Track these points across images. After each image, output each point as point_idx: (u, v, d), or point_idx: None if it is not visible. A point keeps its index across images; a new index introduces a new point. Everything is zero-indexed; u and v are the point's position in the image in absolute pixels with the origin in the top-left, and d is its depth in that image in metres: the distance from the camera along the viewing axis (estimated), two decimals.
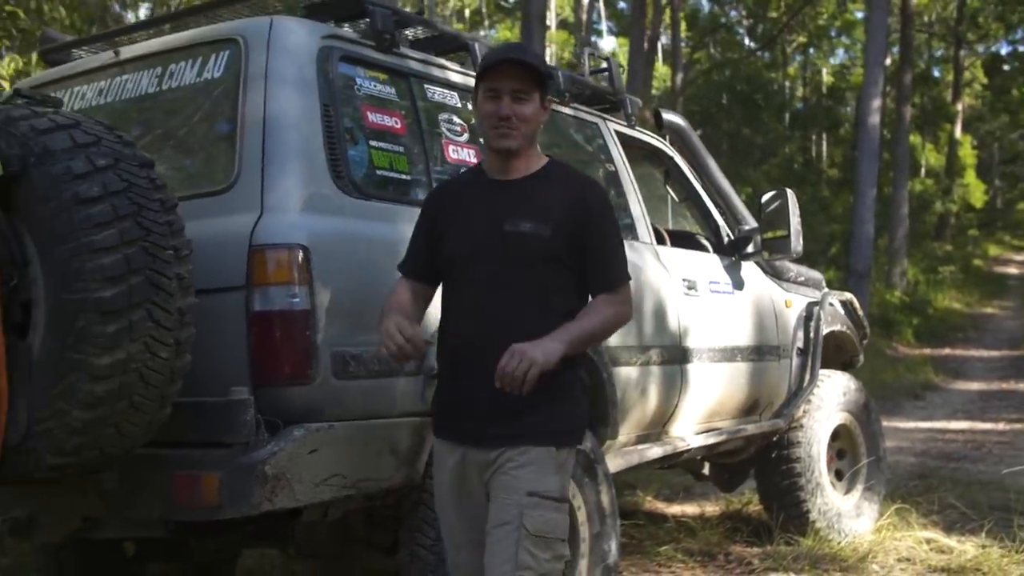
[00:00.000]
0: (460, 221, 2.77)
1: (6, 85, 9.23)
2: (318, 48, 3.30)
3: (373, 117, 3.42)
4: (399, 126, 3.50)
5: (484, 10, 34.77)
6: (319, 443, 2.88)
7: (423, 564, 3.27)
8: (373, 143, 3.38)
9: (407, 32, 3.86)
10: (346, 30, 3.58)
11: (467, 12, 40.84)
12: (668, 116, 5.23)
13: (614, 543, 3.75)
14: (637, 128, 4.95)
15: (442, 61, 3.88)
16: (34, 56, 9.05)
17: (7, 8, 8.56)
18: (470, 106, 3.83)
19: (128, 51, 3.60)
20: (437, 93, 3.75)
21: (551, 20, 29.05)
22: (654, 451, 4.40)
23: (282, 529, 3.41)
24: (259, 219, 2.98)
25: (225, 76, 3.25)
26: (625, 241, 4.35)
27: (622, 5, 40.59)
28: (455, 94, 3.82)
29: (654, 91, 29.69)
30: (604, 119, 4.68)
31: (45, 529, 3.13)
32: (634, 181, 4.64)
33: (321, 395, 2.95)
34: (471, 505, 2.73)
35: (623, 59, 35.27)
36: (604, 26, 41.56)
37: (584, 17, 27.58)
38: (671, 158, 5.16)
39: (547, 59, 25.90)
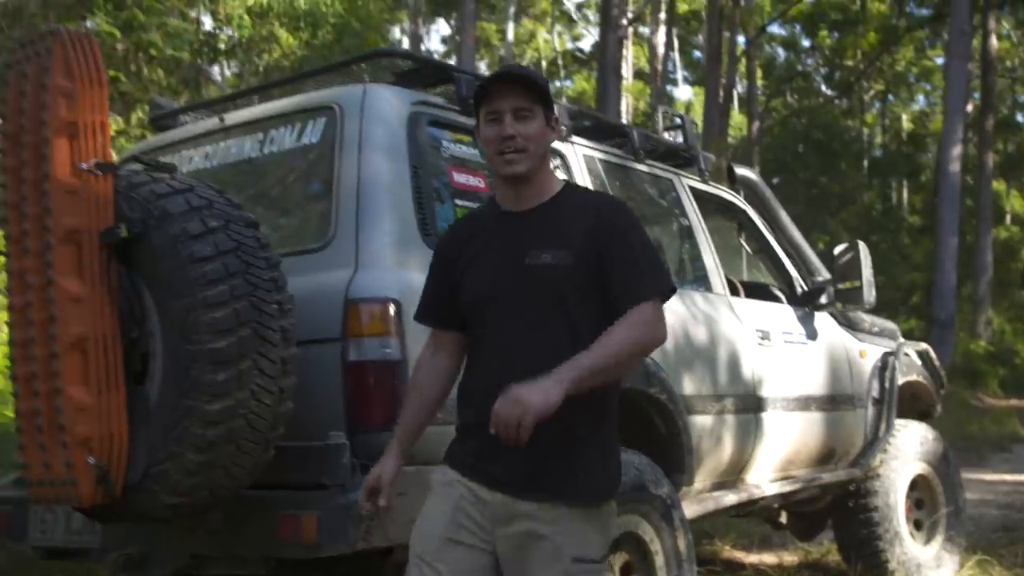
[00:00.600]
0: (478, 261, 2.61)
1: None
2: (408, 114, 3.53)
3: (458, 177, 3.64)
4: (482, 185, 3.71)
5: (560, 61, 35.27)
6: (409, 486, 3.06)
7: None
8: (458, 201, 3.59)
9: None
10: (433, 96, 3.81)
11: (544, 63, 41.44)
12: (741, 171, 5.37)
13: None
14: (710, 183, 5.10)
15: None
16: (133, 116, 9.60)
17: (109, 72, 9.02)
18: (552, 165, 4.04)
19: (232, 118, 3.88)
20: None
21: (626, 71, 29.31)
22: (730, 498, 4.49)
23: (374, 570, 3.59)
24: (354, 275, 3.19)
25: (322, 141, 3.50)
26: (699, 292, 4.56)
27: (697, 54, 40.80)
28: None
29: (730, 140, 29.74)
30: (678, 175, 4.84)
31: (156, 565, 3.35)
32: (708, 234, 4.78)
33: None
34: (462, 545, 2.52)
35: (699, 108, 35.42)
36: (679, 75, 41.86)
37: (659, 67, 27.78)
38: (744, 211, 5.30)
39: (623, 111, 26.16)
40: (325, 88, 3.83)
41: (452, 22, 38.51)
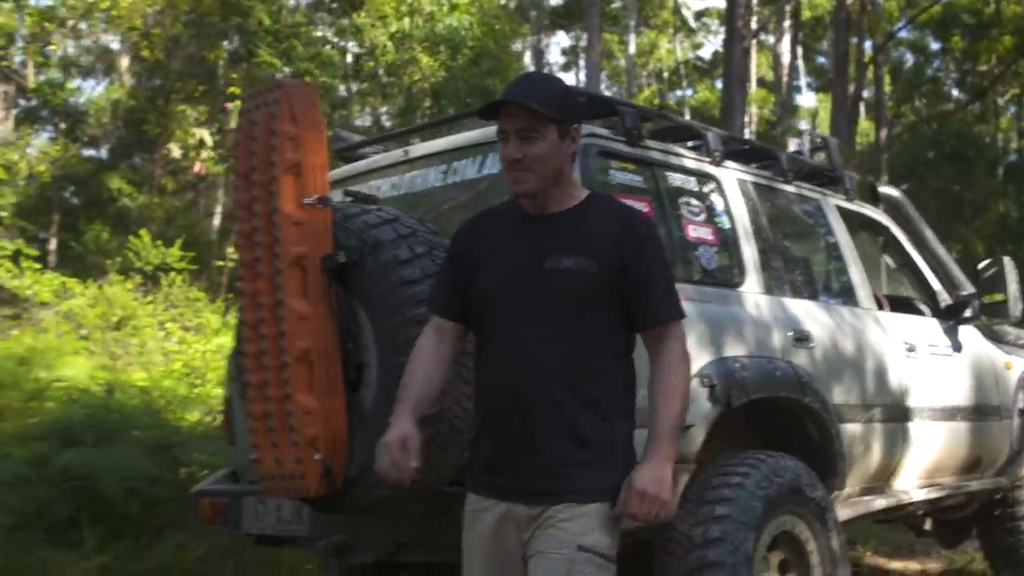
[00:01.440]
0: (496, 258, 2.62)
1: None
2: (581, 147, 3.86)
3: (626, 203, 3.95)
4: (647, 210, 4.00)
5: (682, 71, 35.29)
6: None
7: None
8: None
9: (648, 125, 4.39)
10: (599, 128, 4.13)
11: (665, 73, 41.43)
12: (884, 189, 5.56)
13: None
14: (855, 201, 5.30)
15: (679, 150, 4.37)
16: None
17: None
18: (705, 189, 4.33)
19: (416, 150, 4.28)
20: (677, 179, 4.24)
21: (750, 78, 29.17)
22: (879, 502, 4.69)
23: None
24: None
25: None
26: (847, 308, 4.76)
27: (821, 60, 40.21)
28: (692, 179, 4.30)
29: (858, 147, 29.31)
30: (824, 194, 5.06)
31: (359, 552, 3.75)
32: (854, 251, 4.99)
33: None
34: (506, 567, 2.59)
35: (824, 116, 34.95)
36: (803, 82, 41.32)
37: (784, 77, 27.61)
38: (887, 228, 5.47)
39: (747, 120, 26.06)
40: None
41: (571, 34, 38.88)
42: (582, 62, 39.15)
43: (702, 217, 4.24)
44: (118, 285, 9.42)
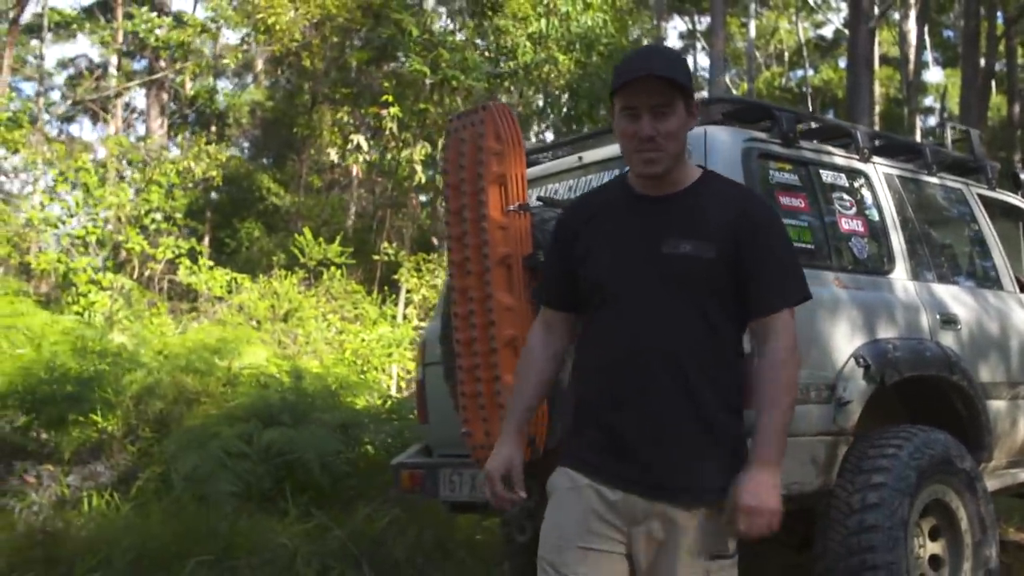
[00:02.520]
0: (608, 242, 2.52)
1: (419, 168, 11.03)
2: (742, 149, 4.26)
3: (784, 200, 4.33)
4: (803, 206, 4.39)
5: (805, 52, 34.95)
6: None
7: (835, 555, 4.06)
8: (787, 221, 4.27)
9: (801, 126, 4.75)
10: (758, 132, 4.52)
11: (786, 55, 41.00)
12: None
13: (994, 551, 4.38)
14: (997, 189, 5.56)
15: (830, 148, 4.73)
16: (439, 142, 10.81)
17: (419, 106, 10.32)
18: (855, 184, 4.68)
19: (589, 156, 4.74)
20: (829, 176, 4.60)
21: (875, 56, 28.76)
22: None
23: None
24: None
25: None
26: (991, 291, 5.04)
27: (948, 34, 39.19)
28: (843, 175, 4.65)
29: (990, 123, 28.64)
30: (967, 184, 5.34)
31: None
32: (996, 238, 5.26)
33: None
34: (597, 552, 2.45)
35: (953, 92, 34.15)
36: (929, 57, 40.34)
37: (911, 55, 27.17)
38: None
39: (874, 98, 25.76)
40: None
41: (686, 19, 38.79)
42: (699, 45, 39.09)
43: (853, 210, 4.59)
44: (285, 280, 10.16)
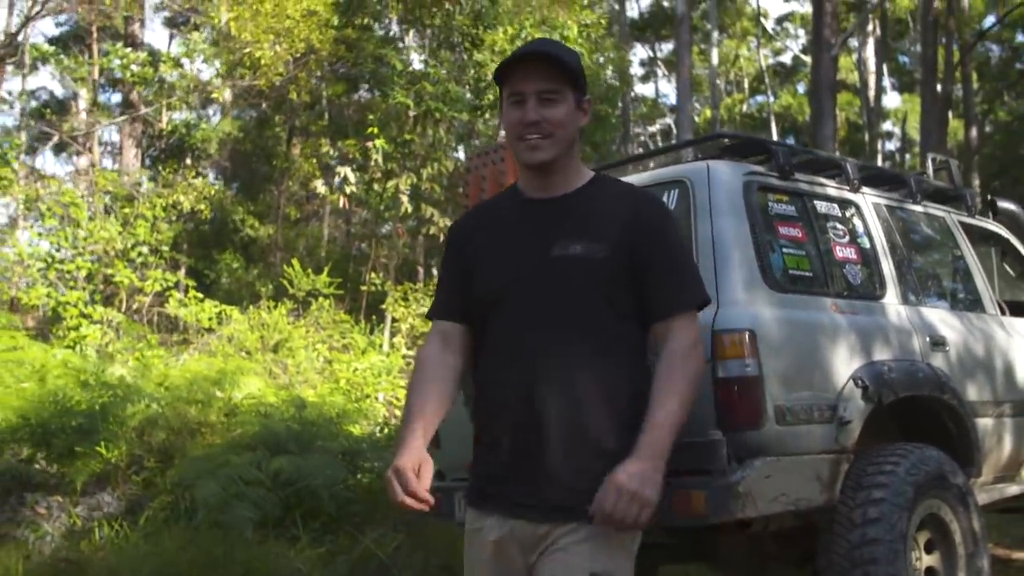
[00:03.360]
0: (497, 249, 2.41)
1: (404, 199, 11.22)
2: (742, 183, 4.49)
3: (783, 230, 4.56)
4: (800, 235, 4.62)
5: (766, 80, 35.60)
6: (771, 471, 4.00)
7: (839, 568, 4.27)
8: (785, 250, 4.52)
9: (794, 159, 5.00)
10: (755, 166, 4.76)
11: (746, 81, 41.68)
12: (1003, 203, 6.09)
13: (986, 562, 4.61)
14: (976, 216, 5.84)
15: (823, 180, 4.98)
16: (424, 172, 11.03)
17: (404, 137, 10.52)
18: (847, 213, 4.93)
19: None
20: (823, 206, 4.84)
21: None
22: (1012, 489, 5.23)
23: (709, 546, 4.56)
24: (716, 312, 4.16)
25: (678, 207, 4.51)
26: (974, 314, 5.31)
27: (903, 59, 40.04)
28: (835, 205, 4.90)
29: (948, 147, 29.34)
30: (949, 212, 5.62)
31: None
32: (978, 262, 5.54)
33: (768, 437, 4.07)
34: None
35: (912, 117, 34.89)
36: (887, 83, 41.18)
37: (871, 81, 27.84)
38: (1007, 239, 6.00)
39: (836, 124, 26.35)
40: (667, 164, 4.87)
41: (646, 47, 39.36)
42: (659, 72, 39.67)
43: (846, 239, 4.84)
44: (274, 311, 10.30)
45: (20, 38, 13.04)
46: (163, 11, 18.75)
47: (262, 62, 11.76)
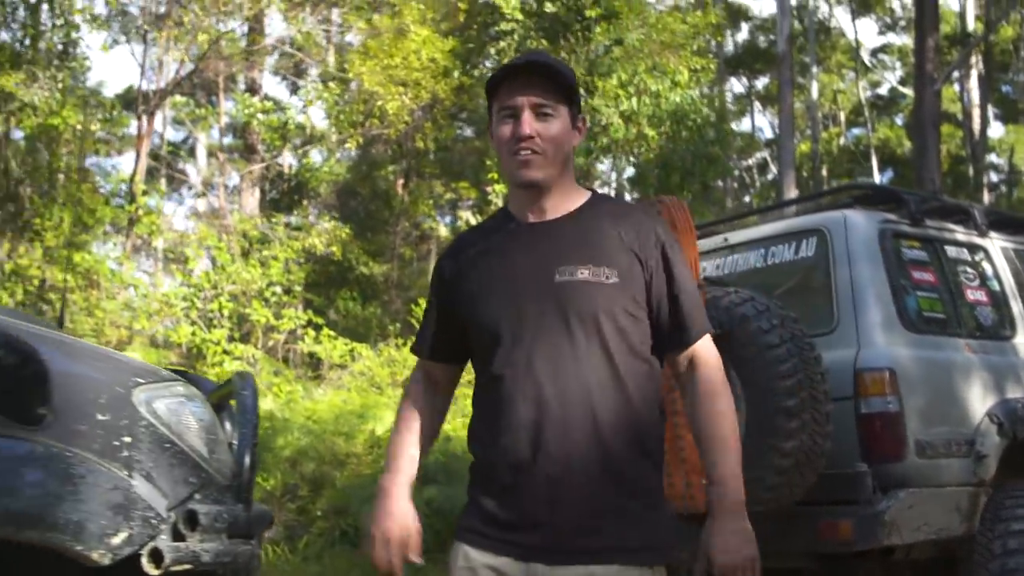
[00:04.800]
0: (494, 279, 2.23)
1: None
2: (877, 231, 4.80)
3: (916, 275, 4.85)
4: (933, 279, 4.90)
5: (866, 112, 35.38)
6: (914, 501, 4.28)
7: None
8: (919, 293, 4.81)
9: (924, 206, 5.28)
10: (888, 214, 5.05)
11: (842, 114, 41.44)
12: None
13: None
14: None
15: (952, 226, 5.25)
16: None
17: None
18: (976, 257, 5.19)
19: (735, 237, 5.30)
20: (952, 251, 5.11)
21: None
22: None
23: (849, 573, 4.82)
24: (858, 352, 4.47)
25: (816, 255, 4.83)
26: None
27: (1007, 89, 39.33)
28: (964, 250, 5.16)
29: None
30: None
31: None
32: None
33: (910, 469, 4.35)
34: None
35: (1020, 148, 34.31)
36: (990, 112, 40.40)
37: (975, 114, 27.53)
38: None
39: (940, 158, 26.14)
40: (804, 213, 5.20)
41: (742, 80, 39.42)
42: (755, 106, 39.70)
43: (976, 282, 5.10)
44: (403, 347, 10.81)
45: (156, 88, 13.92)
46: (278, 59, 19.66)
47: (390, 112, 12.43)
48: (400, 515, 2.29)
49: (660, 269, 2.21)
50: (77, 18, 11.13)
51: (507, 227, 2.28)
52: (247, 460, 2.37)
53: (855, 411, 4.42)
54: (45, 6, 10.88)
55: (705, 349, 2.27)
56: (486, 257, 2.27)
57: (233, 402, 2.80)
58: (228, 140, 22.47)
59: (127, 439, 2.09)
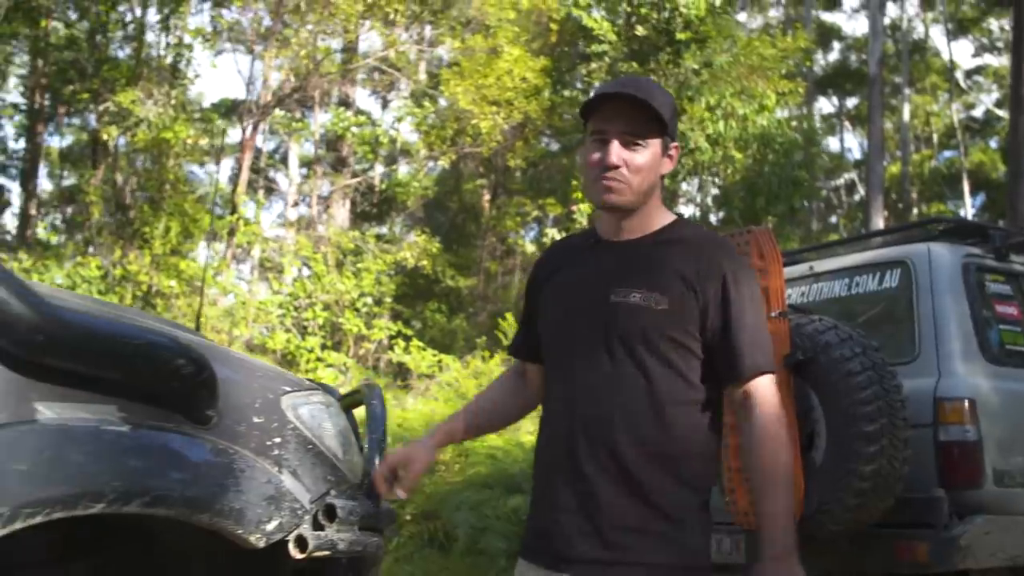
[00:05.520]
0: (561, 293, 2.30)
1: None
2: (961, 264, 4.93)
3: (999, 308, 4.97)
4: (1017, 313, 5.01)
5: (959, 135, 34.84)
6: (990, 528, 4.41)
7: None
8: (1001, 327, 4.93)
9: (1009, 241, 5.40)
10: (972, 247, 5.18)
11: (935, 136, 40.80)
12: None
13: None
14: None
15: None
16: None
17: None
18: None
19: (820, 266, 5.48)
20: None
21: None
22: None
23: None
24: (938, 381, 4.62)
25: (899, 286, 4.98)
26: None
27: None
28: None
29: None
30: None
31: None
32: None
33: (987, 497, 4.47)
34: None
35: None
36: None
37: None
38: None
39: None
40: (887, 245, 5.36)
41: (832, 100, 39.08)
42: (845, 124, 39.31)
43: None
44: (489, 360, 11.13)
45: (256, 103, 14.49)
46: (370, 73, 20.21)
47: (483, 130, 12.79)
48: (410, 449, 2.37)
49: (717, 301, 2.18)
50: (188, 37, 11.72)
51: (588, 243, 2.34)
52: (377, 462, 2.68)
53: (934, 438, 4.56)
54: (156, 23, 11.54)
55: (762, 388, 2.21)
56: (563, 270, 2.34)
57: (358, 409, 3.12)
58: (319, 152, 23.11)
59: (277, 440, 2.40)
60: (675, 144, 2.32)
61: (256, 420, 2.37)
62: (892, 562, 4.53)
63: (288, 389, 2.51)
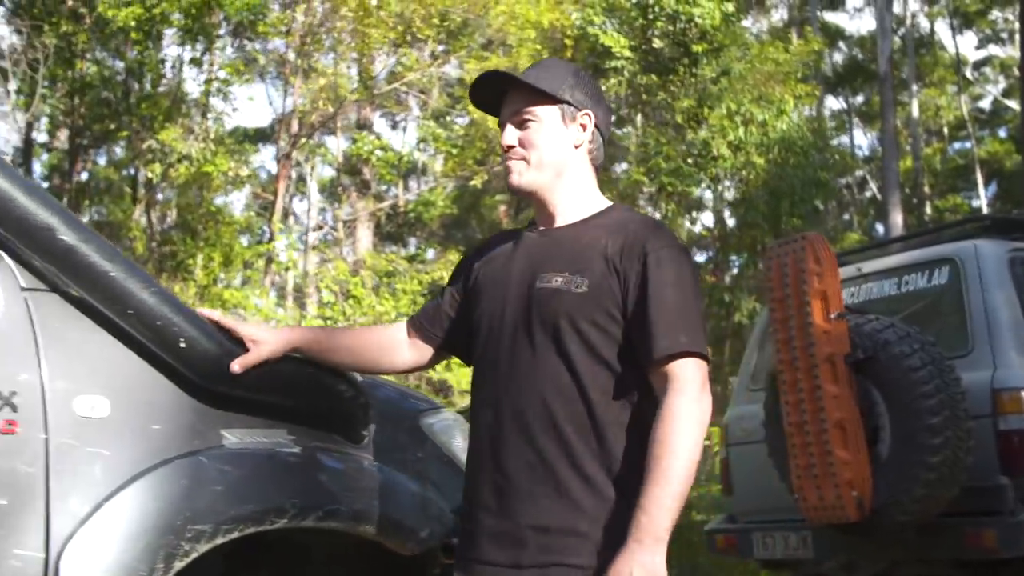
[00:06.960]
0: (492, 280, 2.24)
1: None
2: (1007, 259, 5.12)
3: None
4: None
5: (969, 128, 34.94)
6: None
7: None
8: None
9: None
10: (1016, 243, 5.35)
11: (945, 129, 40.89)
12: None
13: None
14: None
15: None
16: None
17: (638, 211, 11.65)
18: None
19: (868, 266, 5.67)
20: None
21: None
22: None
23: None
24: (994, 373, 4.80)
25: (949, 283, 5.17)
26: None
27: None
28: None
29: None
30: None
31: (860, 570, 5.10)
32: None
33: None
34: None
35: None
36: None
37: None
38: None
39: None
40: (934, 243, 5.55)
41: (840, 98, 39.22)
42: (854, 121, 39.43)
43: None
44: None
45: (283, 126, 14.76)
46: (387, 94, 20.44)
47: None
48: (270, 331, 2.35)
49: (637, 282, 2.08)
50: (223, 72, 11.99)
51: (524, 233, 2.28)
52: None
53: (993, 428, 4.74)
54: (189, 62, 11.80)
55: (680, 372, 2.05)
56: (496, 260, 2.28)
57: None
58: (341, 175, 23.39)
59: (420, 455, 2.61)
60: (584, 111, 2.22)
61: (402, 438, 2.58)
62: (961, 549, 4.71)
63: (425, 408, 2.74)
